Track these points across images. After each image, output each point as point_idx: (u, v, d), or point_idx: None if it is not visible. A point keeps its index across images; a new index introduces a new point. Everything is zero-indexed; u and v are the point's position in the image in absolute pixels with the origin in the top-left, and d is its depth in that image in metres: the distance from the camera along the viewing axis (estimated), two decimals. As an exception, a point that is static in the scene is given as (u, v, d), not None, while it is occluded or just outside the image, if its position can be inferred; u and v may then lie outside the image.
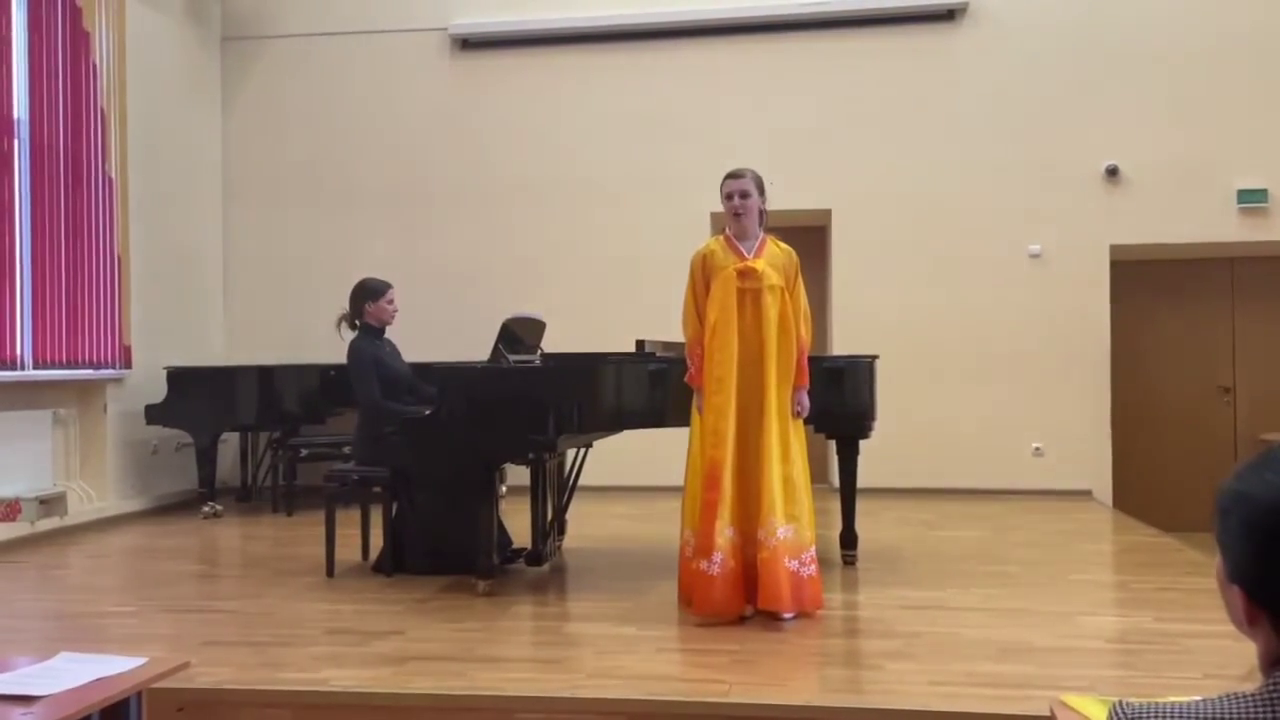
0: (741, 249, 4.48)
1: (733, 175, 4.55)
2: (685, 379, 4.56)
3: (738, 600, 4.27)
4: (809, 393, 4.55)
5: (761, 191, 4.54)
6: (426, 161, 8.88)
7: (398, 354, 5.75)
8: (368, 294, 5.64)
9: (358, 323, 5.64)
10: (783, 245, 4.55)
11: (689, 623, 4.28)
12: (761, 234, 4.54)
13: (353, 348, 5.53)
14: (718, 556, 4.23)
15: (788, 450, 4.35)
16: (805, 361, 4.52)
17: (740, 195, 4.47)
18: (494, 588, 4.83)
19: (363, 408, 5.57)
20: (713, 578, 4.23)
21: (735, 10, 8.48)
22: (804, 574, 4.29)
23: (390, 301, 5.68)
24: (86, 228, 7.24)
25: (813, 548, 4.37)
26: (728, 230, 4.57)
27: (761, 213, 4.55)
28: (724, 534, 4.25)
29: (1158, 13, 8.03)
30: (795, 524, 4.29)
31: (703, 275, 4.51)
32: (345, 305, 5.72)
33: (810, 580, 4.31)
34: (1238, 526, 1.17)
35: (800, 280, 4.55)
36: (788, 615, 4.24)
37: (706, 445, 4.35)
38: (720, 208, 4.62)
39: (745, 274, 4.40)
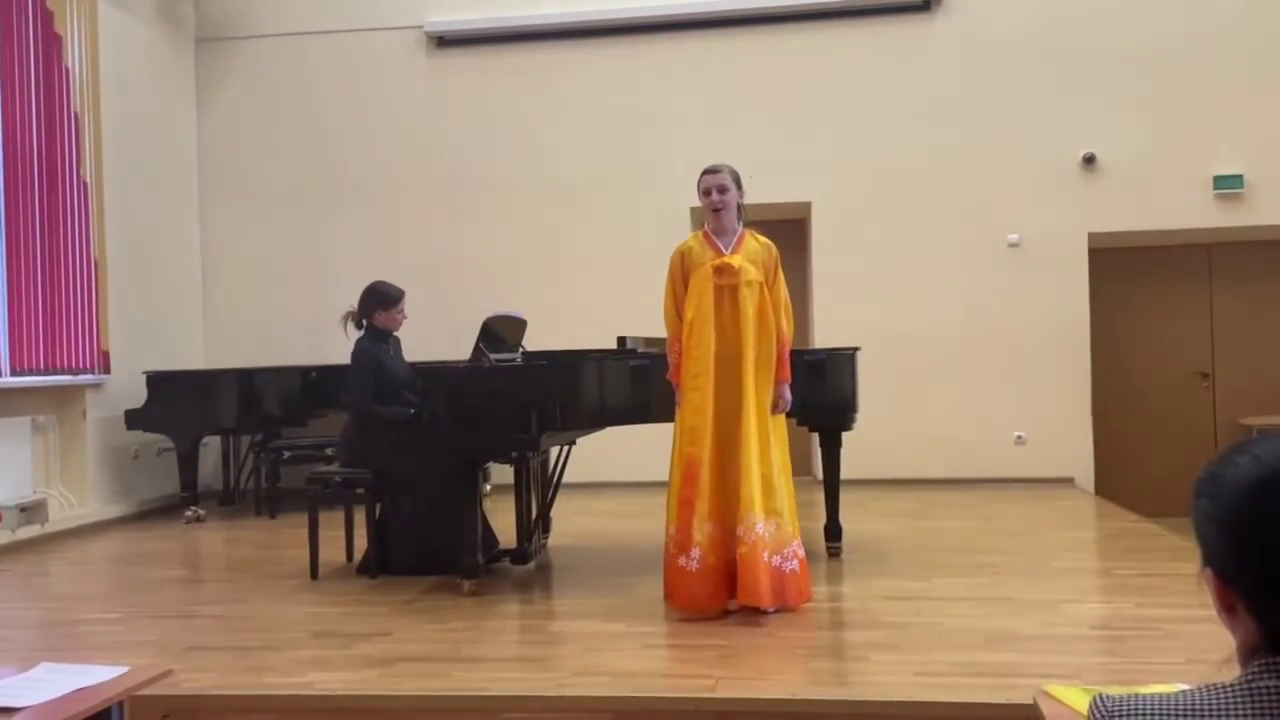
0: (719, 245, 4.47)
1: (709, 171, 4.53)
2: (667, 376, 4.56)
3: (718, 595, 4.26)
4: (790, 386, 4.54)
5: (739, 185, 4.52)
6: (404, 160, 8.84)
7: (400, 353, 5.67)
8: (380, 301, 5.50)
9: (364, 323, 5.54)
10: (762, 239, 4.54)
11: (674, 618, 4.28)
12: (740, 228, 4.54)
13: (358, 348, 5.43)
14: (696, 552, 4.24)
15: (766, 446, 4.34)
16: (787, 355, 4.51)
17: (718, 190, 4.46)
18: (479, 587, 4.82)
19: (351, 410, 5.53)
20: (691, 573, 4.24)
21: (712, 4, 8.47)
22: (786, 569, 4.28)
23: (401, 311, 5.57)
24: (62, 232, 7.17)
25: (795, 542, 4.36)
26: (706, 226, 4.56)
27: (740, 206, 4.55)
28: (702, 530, 4.25)
29: (1132, 1, 8.05)
30: (776, 519, 4.29)
31: (681, 272, 4.50)
32: (351, 304, 5.60)
33: (793, 575, 4.31)
34: (1208, 508, 1.18)
35: (780, 274, 4.54)
36: (770, 609, 4.24)
37: (684, 442, 4.36)
38: (700, 202, 4.61)
39: (722, 270, 4.40)
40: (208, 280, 9.07)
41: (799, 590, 4.34)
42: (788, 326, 4.53)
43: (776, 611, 4.24)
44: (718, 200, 4.46)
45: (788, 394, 4.51)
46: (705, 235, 4.53)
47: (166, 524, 7.32)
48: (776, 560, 4.25)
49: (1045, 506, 7.00)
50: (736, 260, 4.41)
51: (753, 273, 4.41)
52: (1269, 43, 7.89)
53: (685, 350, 4.41)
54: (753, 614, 4.21)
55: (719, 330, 4.37)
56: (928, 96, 8.26)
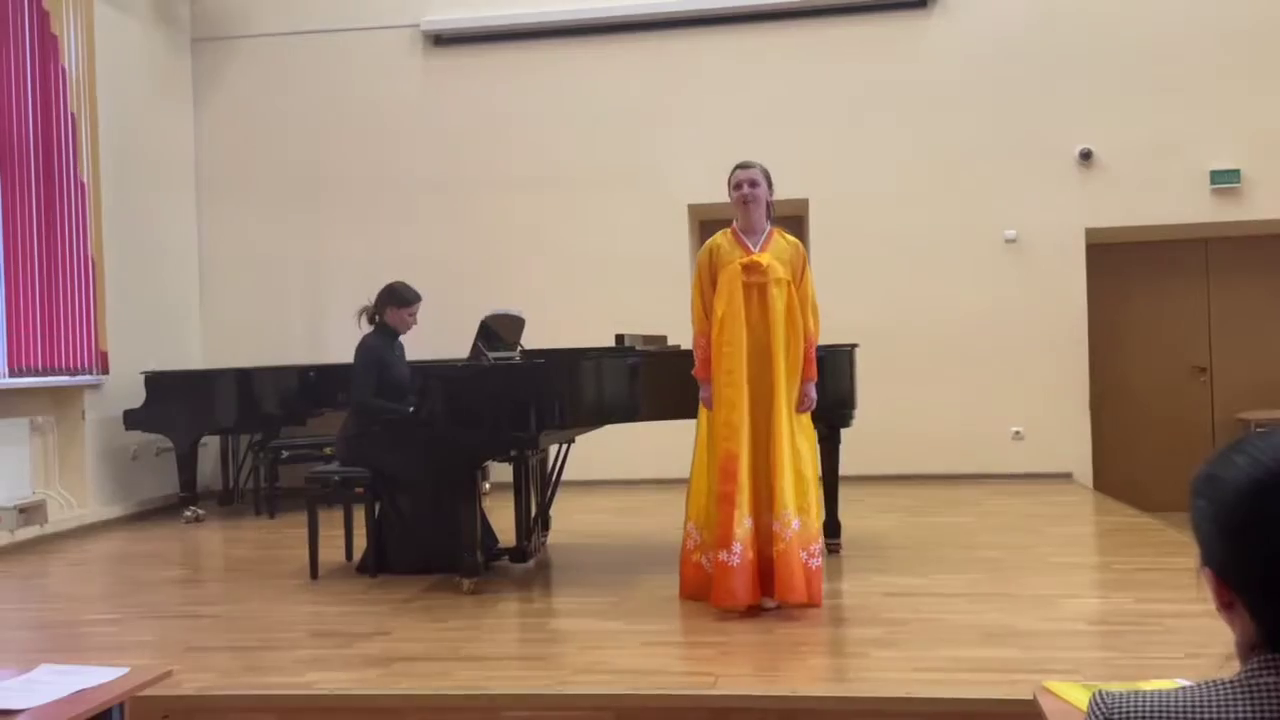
0: (748, 243, 4.48)
1: (741, 166, 4.56)
2: (692, 373, 4.56)
3: (755, 589, 4.27)
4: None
5: (769, 184, 4.54)
6: (401, 159, 8.83)
7: (404, 357, 5.68)
8: (394, 299, 5.55)
9: (377, 318, 5.58)
10: (789, 237, 4.56)
11: (676, 616, 4.29)
12: (769, 226, 4.55)
13: (363, 343, 5.47)
14: (737, 547, 4.22)
15: (795, 443, 4.36)
16: (813, 354, 4.52)
17: (749, 185, 4.48)
18: (479, 586, 4.82)
19: (353, 406, 5.53)
20: (732, 569, 4.22)
21: (708, 2, 8.45)
22: (812, 565, 4.31)
23: (413, 314, 5.61)
24: (60, 233, 7.16)
25: (820, 540, 4.40)
26: (735, 223, 4.57)
27: (769, 205, 4.56)
28: (743, 524, 4.25)
29: (1128, -4, 8.07)
30: (804, 516, 4.31)
31: (709, 269, 4.51)
32: (357, 301, 5.67)
33: (817, 571, 4.34)
34: (1206, 508, 1.18)
35: (808, 272, 4.55)
36: (772, 605, 4.25)
37: (719, 438, 4.35)
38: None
39: (751, 268, 4.40)
40: (205, 280, 9.06)
41: (819, 587, 4.37)
42: (814, 325, 4.54)
43: (777, 607, 4.26)
44: (749, 193, 4.47)
45: (813, 392, 4.51)
46: (734, 233, 4.54)
47: (165, 524, 7.32)
48: (803, 556, 4.28)
49: (1043, 502, 7.01)
50: (765, 258, 4.41)
51: (781, 271, 4.42)
52: (1265, 37, 7.89)
53: (715, 347, 4.41)
54: (754, 609, 4.23)
55: (749, 327, 4.38)
56: (925, 93, 8.26)
